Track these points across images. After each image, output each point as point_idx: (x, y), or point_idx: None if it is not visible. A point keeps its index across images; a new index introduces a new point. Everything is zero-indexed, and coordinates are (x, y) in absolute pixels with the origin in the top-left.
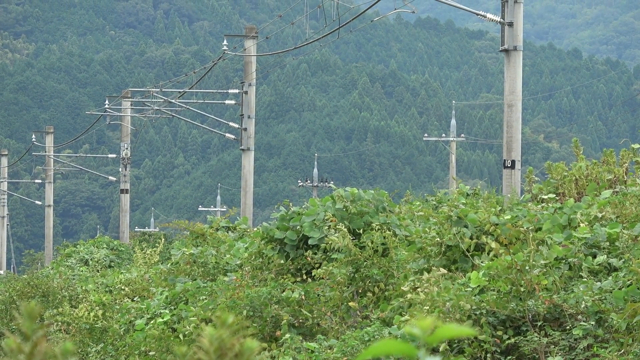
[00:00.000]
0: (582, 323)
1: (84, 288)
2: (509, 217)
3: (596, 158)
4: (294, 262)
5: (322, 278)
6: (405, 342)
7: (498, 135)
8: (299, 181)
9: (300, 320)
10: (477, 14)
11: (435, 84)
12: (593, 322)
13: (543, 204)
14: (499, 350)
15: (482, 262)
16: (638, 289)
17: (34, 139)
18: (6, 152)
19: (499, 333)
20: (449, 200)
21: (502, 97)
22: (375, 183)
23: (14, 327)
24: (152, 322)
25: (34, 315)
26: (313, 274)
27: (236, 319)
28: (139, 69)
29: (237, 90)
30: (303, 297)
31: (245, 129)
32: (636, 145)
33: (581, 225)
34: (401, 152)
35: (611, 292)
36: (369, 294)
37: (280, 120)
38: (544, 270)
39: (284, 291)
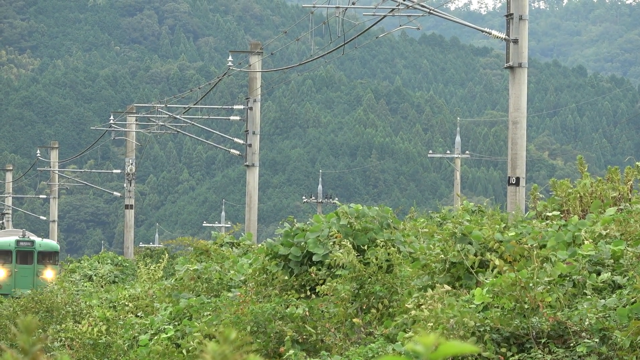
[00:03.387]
0: (586, 340)
1: (88, 303)
2: (513, 234)
3: (601, 175)
4: (298, 278)
5: (326, 294)
6: (409, 358)
7: (503, 152)
8: (304, 197)
9: (304, 336)
10: (482, 31)
11: (440, 100)
12: (597, 340)
13: (547, 221)
14: None
15: (486, 279)
16: None
17: (38, 154)
18: (11, 168)
19: (503, 350)
20: (453, 217)
21: (506, 114)
22: (380, 199)
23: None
24: (156, 337)
25: (31, 329)
26: (317, 290)
27: (239, 335)
28: (144, 84)
29: (242, 106)
30: (307, 313)
31: (250, 145)
32: None
33: (585, 242)
34: (406, 169)
35: (615, 310)
36: (373, 310)
37: (284, 136)
38: (548, 287)
39: (288, 307)
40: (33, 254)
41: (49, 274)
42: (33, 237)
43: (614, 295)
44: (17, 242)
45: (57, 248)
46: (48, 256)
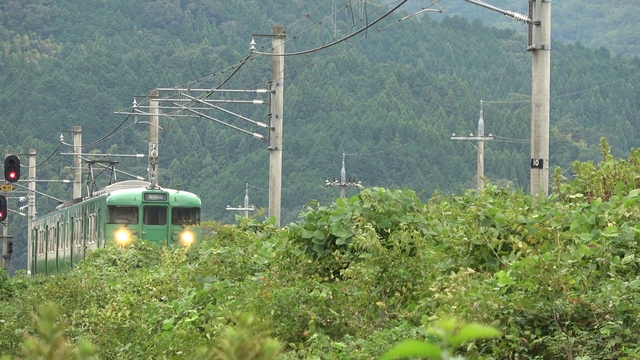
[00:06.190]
0: (609, 322)
1: (111, 288)
2: (536, 216)
3: (624, 157)
4: (321, 262)
5: (350, 278)
6: (431, 342)
7: (526, 134)
8: (327, 181)
9: (328, 320)
10: (505, 14)
11: (463, 83)
12: (621, 322)
13: (571, 204)
14: (526, 350)
15: (509, 262)
16: None
17: (62, 139)
18: (34, 152)
19: (527, 332)
20: (476, 199)
21: (529, 97)
22: (403, 182)
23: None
24: (179, 321)
25: (53, 316)
26: (341, 274)
27: (256, 319)
28: (167, 68)
29: (264, 90)
30: (331, 296)
31: (273, 129)
32: None
33: (609, 224)
34: (429, 152)
35: (639, 292)
36: (397, 294)
37: (308, 119)
38: (572, 269)
39: (311, 291)
40: (166, 210)
41: (187, 237)
42: (166, 190)
43: (637, 277)
44: (145, 195)
45: (198, 203)
46: (186, 213)
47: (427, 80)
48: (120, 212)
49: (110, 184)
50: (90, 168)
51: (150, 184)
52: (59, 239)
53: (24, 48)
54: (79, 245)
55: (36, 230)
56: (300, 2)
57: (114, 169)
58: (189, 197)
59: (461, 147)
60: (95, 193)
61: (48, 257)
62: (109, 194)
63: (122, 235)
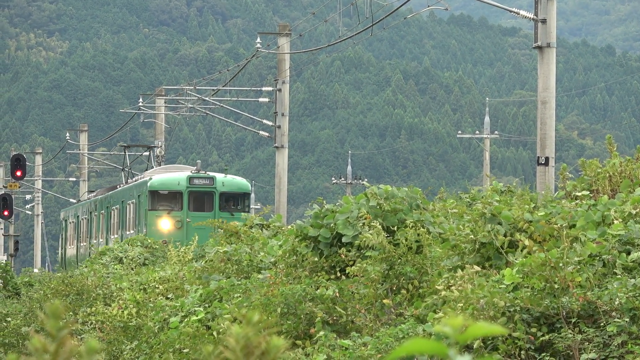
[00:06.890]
0: (616, 320)
1: (118, 286)
2: (542, 214)
3: (630, 155)
4: (327, 260)
5: (356, 275)
6: (437, 340)
7: (532, 132)
8: (333, 178)
9: (335, 318)
10: (511, 11)
11: (469, 80)
12: (627, 319)
13: (577, 201)
14: (533, 347)
15: (516, 259)
16: None
17: (68, 137)
18: (40, 150)
19: (533, 330)
20: (482, 197)
21: (535, 94)
22: (409, 180)
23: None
24: (186, 319)
25: (59, 314)
26: (347, 272)
27: (263, 317)
28: (172, 66)
29: (270, 88)
30: (337, 294)
31: (279, 127)
32: None
33: (615, 222)
34: (435, 149)
35: None
36: (403, 291)
37: (313, 117)
38: (578, 267)
39: (318, 288)
40: (213, 196)
41: None
42: (213, 173)
43: None
44: (190, 179)
45: (248, 188)
46: (235, 199)
47: (433, 78)
48: (163, 198)
49: (147, 169)
50: (125, 153)
51: (195, 167)
52: (92, 230)
53: (30, 46)
54: (116, 235)
55: (65, 221)
56: (306, 0)
57: (151, 154)
58: (238, 181)
59: (467, 144)
60: (133, 179)
61: (80, 251)
62: (150, 179)
63: (165, 223)
